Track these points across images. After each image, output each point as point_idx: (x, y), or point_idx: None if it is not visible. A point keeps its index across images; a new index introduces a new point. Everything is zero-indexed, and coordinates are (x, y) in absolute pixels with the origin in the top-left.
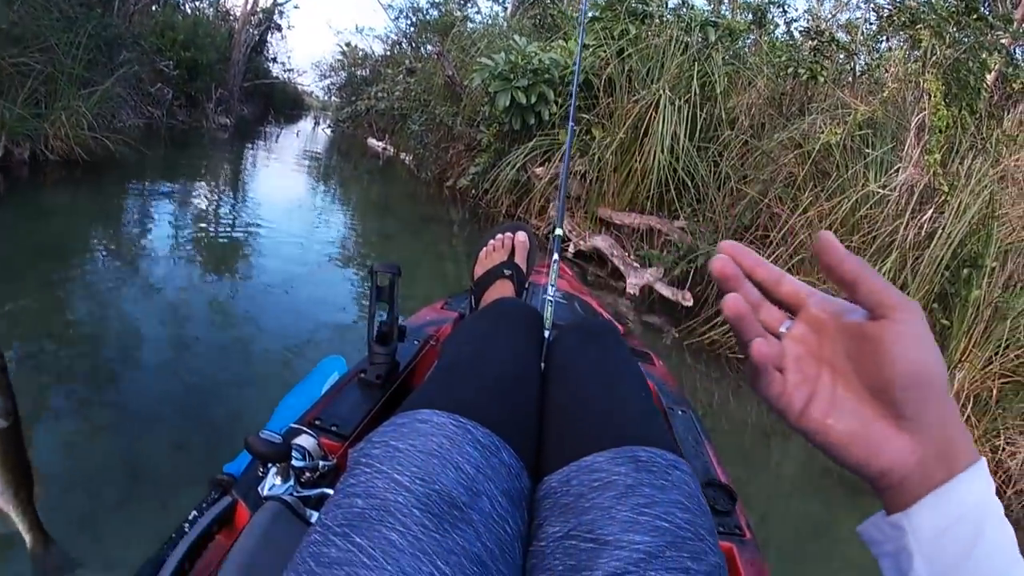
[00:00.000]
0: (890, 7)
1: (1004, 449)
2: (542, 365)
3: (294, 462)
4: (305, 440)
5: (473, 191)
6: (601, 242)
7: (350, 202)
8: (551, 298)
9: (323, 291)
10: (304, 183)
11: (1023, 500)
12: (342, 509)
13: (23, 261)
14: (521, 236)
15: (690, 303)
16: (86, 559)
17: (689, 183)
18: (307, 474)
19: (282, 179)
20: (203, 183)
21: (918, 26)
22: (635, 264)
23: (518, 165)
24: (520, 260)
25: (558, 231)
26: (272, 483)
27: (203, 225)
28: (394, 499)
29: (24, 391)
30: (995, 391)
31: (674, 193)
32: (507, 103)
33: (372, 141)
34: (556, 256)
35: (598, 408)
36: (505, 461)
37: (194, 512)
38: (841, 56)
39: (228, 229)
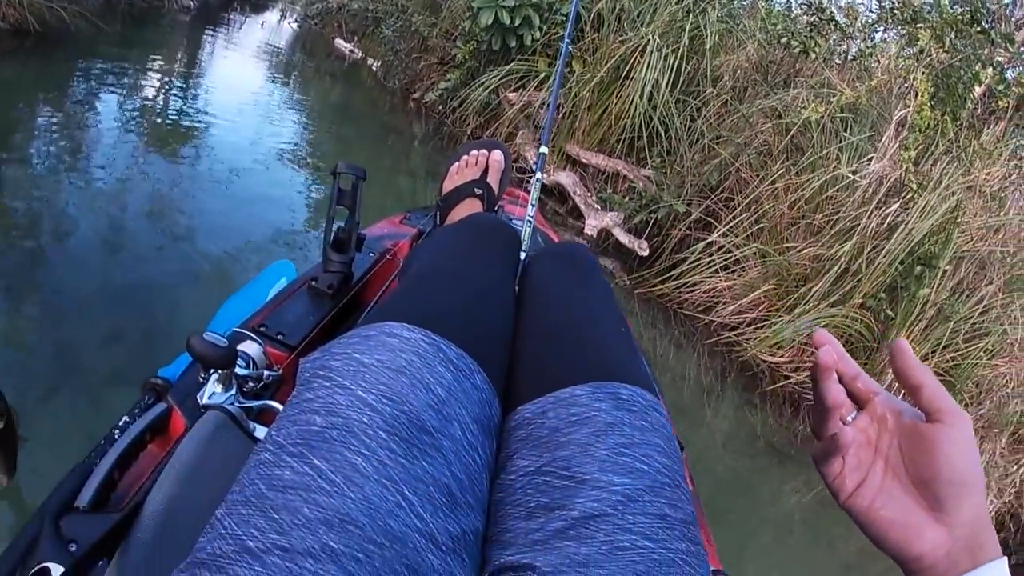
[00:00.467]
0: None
1: None
2: (515, 288)
3: (238, 370)
4: (250, 347)
5: (440, 107)
6: (565, 178)
7: (308, 102)
8: (530, 218)
9: (271, 191)
10: (262, 77)
11: None
12: (297, 426)
13: None
14: (497, 155)
15: (646, 252)
16: None
17: (663, 133)
18: (250, 383)
19: (239, 70)
20: (157, 65)
21: (919, 24)
22: (596, 206)
23: (491, 87)
24: (493, 180)
25: (543, 149)
26: (212, 391)
27: (152, 110)
28: (358, 419)
29: None
30: None
31: (646, 141)
32: (489, 21)
33: (340, 42)
34: (539, 175)
35: (578, 337)
36: (478, 385)
37: (125, 418)
38: (836, 37)
39: (177, 116)
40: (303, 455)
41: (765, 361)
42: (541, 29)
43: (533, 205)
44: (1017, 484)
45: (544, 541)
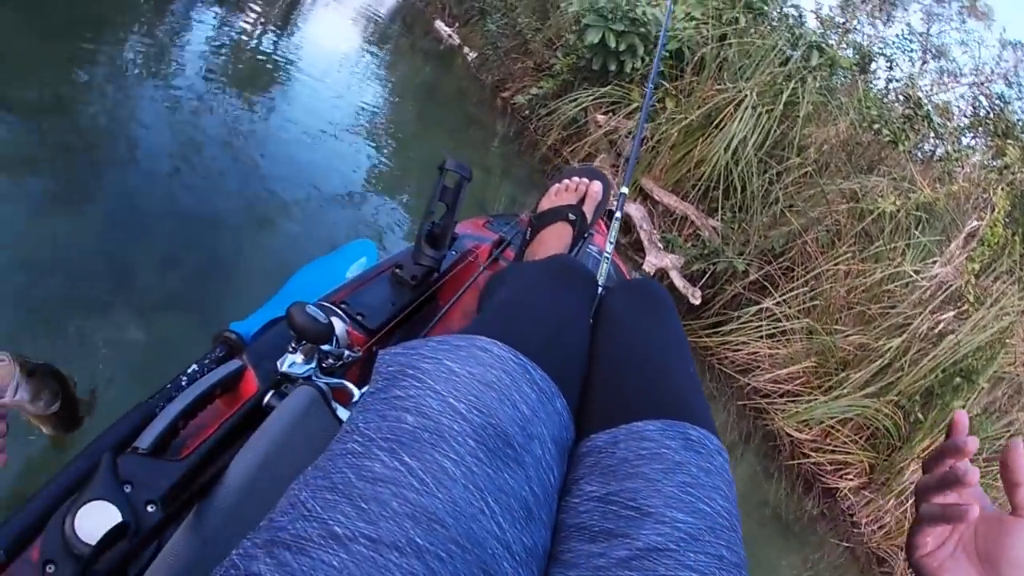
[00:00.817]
0: (991, 109)
1: None
2: (591, 320)
3: (322, 345)
4: (337, 324)
5: (527, 112)
6: (635, 211)
7: (397, 76)
8: (608, 255)
9: (345, 153)
10: (356, 39)
11: None
12: (387, 422)
13: (59, 25)
14: (596, 186)
15: (698, 302)
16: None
17: (739, 189)
18: (330, 360)
19: (336, 26)
20: (258, 5)
21: (1009, 140)
22: (659, 244)
23: (583, 105)
24: (588, 209)
25: (624, 189)
26: (293, 360)
27: (245, 46)
28: (449, 424)
29: (20, 162)
30: None
31: (720, 193)
32: (595, 40)
33: (440, 24)
34: (619, 214)
35: (651, 373)
36: (558, 409)
37: (194, 366)
38: (928, 134)
39: (267, 57)
40: (394, 451)
41: (789, 435)
42: (643, 59)
43: (611, 243)
44: None
45: (607, 568)
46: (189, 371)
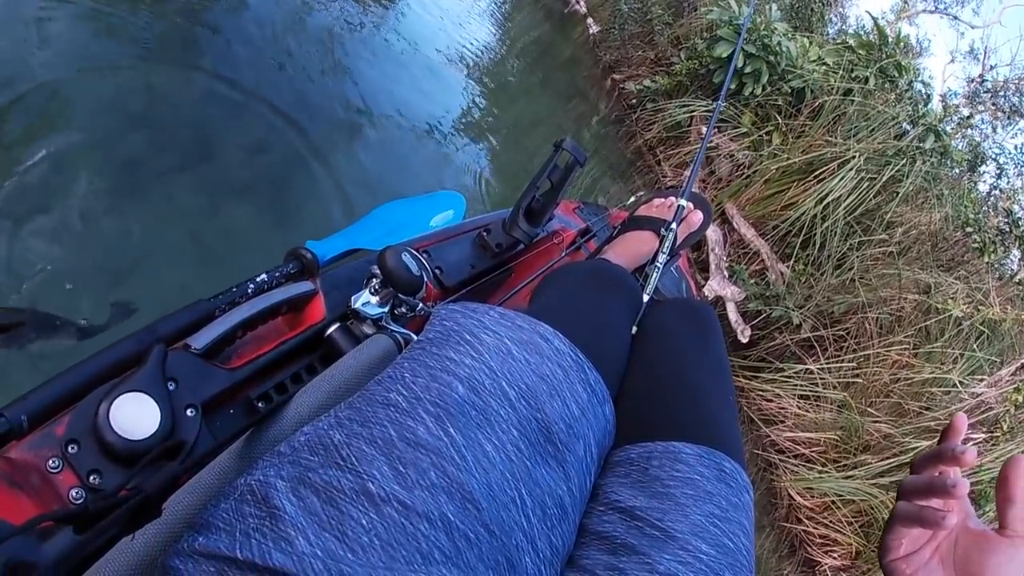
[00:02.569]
0: None
1: None
2: (634, 329)
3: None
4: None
5: (635, 101)
6: (712, 233)
7: (511, 27)
8: (658, 265)
9: (442, 88)
10: None
11: None
12: (438, 383)
13: None
14: (697, 216)
15: (745, 340)
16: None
17: (818, 244)
18: (403, 309)
19: None
20: None
21: None
22: (725, 272)
23: (694, 113)
24: (681, 232)
25: (682, 201)
26: (367, 299)
27: None
28: (496, 409)
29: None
30: None
31: (799, 242)
32: (723, 55)
33: None
34: (675, 225)
35: (692, 395)
36: (606, 415)
37: (264, 275)
38: (1016, 254)
39: None
40: (440, 419)
41: (791, 497)
42: (764, 88)
43: (664, 253)
44: None
45: None
46: (258, 280)
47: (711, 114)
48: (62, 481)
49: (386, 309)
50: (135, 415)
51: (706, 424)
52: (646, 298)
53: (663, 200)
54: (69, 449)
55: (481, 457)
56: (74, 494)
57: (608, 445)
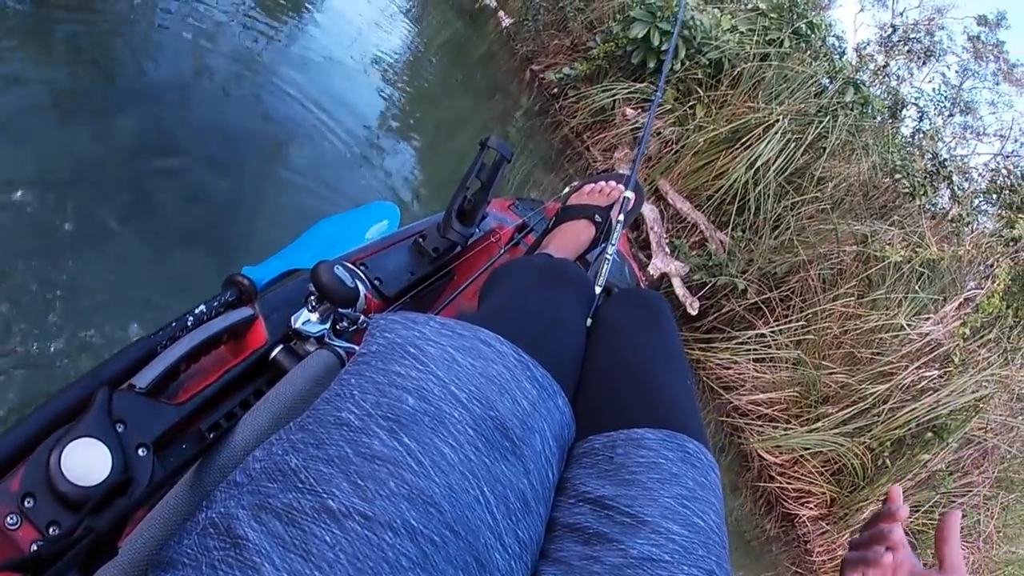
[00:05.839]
0: (1010, 180)
1: None
2: (588, 321)
3: (341, 308)
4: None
5: (555, 90)
6: (648, 212)
7: (426, 27)
8: (608, 257)
9: (361, 95)
10: None
11: None
12: (387, 398)
13: None
14: (629, 196)
15: (695, 312)
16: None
17: (753, 209)
18: (344, 323)
19: None
20: None
21: (1020, 214)
22: (666, 248)
23: (616, 96)
24: (615, 216)
25: (628, 193)
26: (308, 318)
27: None
28: (450, 412)
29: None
30: None
31: (734, 209)
32: (640, 35)
33: None
34: (622, 216)
35: (650, 381)
36: (559, 407)
37: (202, 307)
38: (945, 193)
39: None
40: (393, 431)
41: (761, 457)
42: (683, 63)
43: (613, 244)
44: None
45: (602, 573)
46: (196, 311)
47: (650, 101)
48: (22, 536)
49: (327, 325)
50: (86, 461)
51: (666, 408)
52: (598, 290)
53: (594, 186)
54: (25, 503)
55: (439, 460)
56: (35, 548)
57: (568, 437)
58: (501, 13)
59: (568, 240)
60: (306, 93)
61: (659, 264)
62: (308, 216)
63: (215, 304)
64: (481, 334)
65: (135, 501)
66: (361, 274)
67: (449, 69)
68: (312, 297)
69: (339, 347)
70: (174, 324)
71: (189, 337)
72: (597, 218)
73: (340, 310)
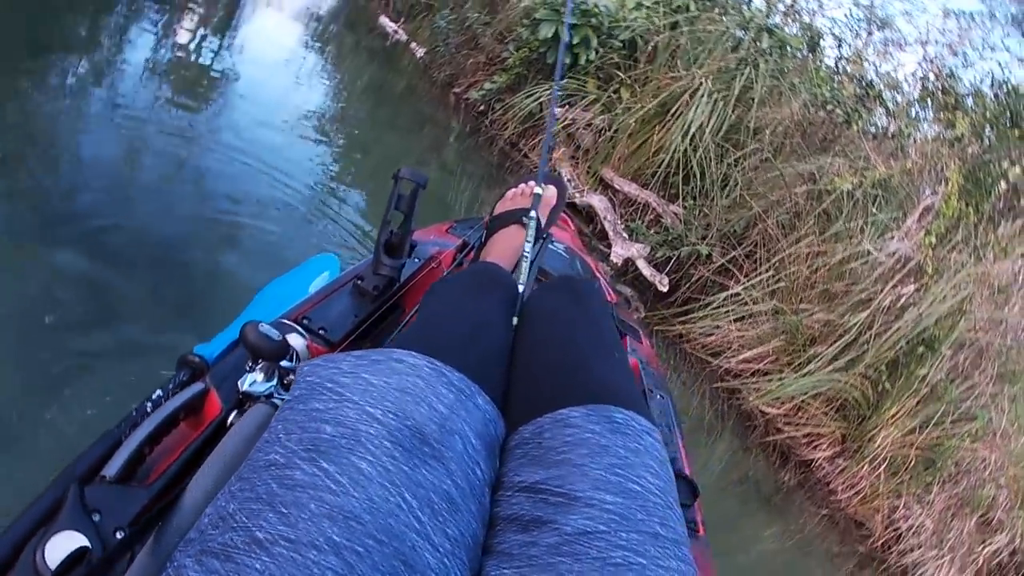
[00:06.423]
0: (943, 83)
1: (901, 510)
2: (515, 320)
3: (282, 362)
4: (296, 340)
5: (482, 107)
6: (598, 201)
7: (343, 75)
8: (526, 255)
9: (295, 157)
10: (298, 40)
11: (904, 562)
12: (308, 433)
13: None
14: (552, 190)
15: (665, 288)
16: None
17: (698, 175)
18: (291, 376)
19: (276, 28)
20: (198, 9)
21: (957, 112)
22: (623, 234)
23: (540, 98)
24: (542, 213)
25: (538, 189)
26: (253, 379)
27: (186, 50)
28: (365, 430)
29: None
30: (911, 460)
31: (680, 179)
32: (549, 35)
33: (385, 20)
34: (534, 214)
35: (573, 362)
36: (480, 405)
37: (159, 391)
38: (880, 112)
39: (209, 63)
40: (313, 459)
41: (763, 412)
42: (597, 51)
43: (528, 242)
44: (980, 563)
45: (539, 556)
46: (154, 397)
47: (573, 95)
48: None
49: (274, 382)
50: (68, 552)
51: (591, 385)
52: (521, 288)
53: (514, 190)
54: None
55: (357, 476)
56: None
57: (496, 433)
58: (413, 44)
59: (502, 248)
60: (244, 162)
61: (620, 251)
62: (254, 286)
63: (171, 386)
64: (395, 354)
65: (95, 568)
66: (299, 327)
67: (375, 111)
68: (250, 359)
69: (279, 399)
70: (134, 412)
71: (148, 421)
72: (525, 219)
73: (283, 364)
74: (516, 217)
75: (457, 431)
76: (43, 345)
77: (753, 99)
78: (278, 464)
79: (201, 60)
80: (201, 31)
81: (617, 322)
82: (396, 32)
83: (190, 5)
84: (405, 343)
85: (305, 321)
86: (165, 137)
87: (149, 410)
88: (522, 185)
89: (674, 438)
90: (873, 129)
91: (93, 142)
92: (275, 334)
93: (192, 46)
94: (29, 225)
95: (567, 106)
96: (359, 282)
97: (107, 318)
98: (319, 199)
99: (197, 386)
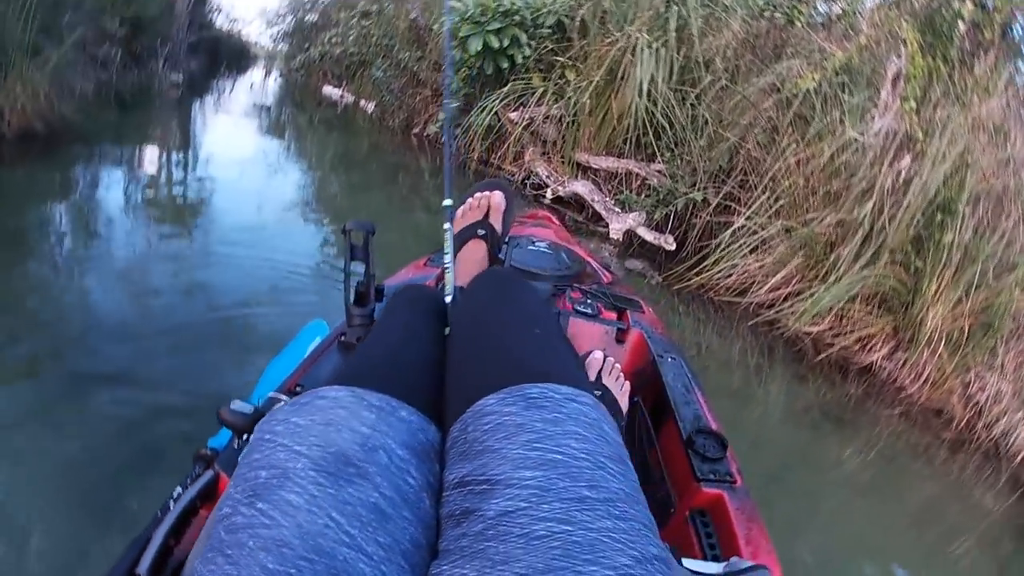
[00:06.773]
0: None
1: (974, 383)
2: (447, 330)
3: None
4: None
5: (443, 137)
6: (581, 187)
7: (308, 155)
8: (448, 264)
9: (287, 246)
10: (257, 137)
11: (992, 433)
12: (248, 482)
13: None
14: (497, 196)
15: (672, 247)
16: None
17: (667, 127)
18: None
19: (233, 133)
20: (156, 144)
21: None
22: (616, 209)
23: (492, 110)
24: (495, 221)
25: (446, 201)
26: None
27: (159, 187)
28: (292, 466)
29: None
30: (966, 329)
31: (652, 136)
32: (479, 47)
33: (328, 89)
34: (448, 225)
35: (491, 352)
36: (404, 418)
37: (179, 488)
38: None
39: (183, 189)
40: (252, 502)
41: (807, 332)
42: (530, 46)
43: (447, 252)
44: None
45: (469, 546)
46: (175, 495)
47: (523, 95)
48: None
49: None
50: None
51: (506, 369)
52: (448, 299)
53: (464, 206)
54: None
55: (287, 508)
56: None
57: (428, 440)
58: (362, 102)
59: (469, 265)
60: (239, 264)
61: (617, 226)
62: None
63: (188, 481)
64: (319, 392)
65: None
66: (285, 396)
67: (348, 178)
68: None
69: None
70: (159, 513)
71: (169, 516)
72: (480, 232)
73: None
74: (472, 233)
75: (380, 446)
76: (104, 492)
77: (693, 35)
78: (227, 515)
79: (175, 185)
80: (165, 157)
81: (614, 299)
82: (342, 96)
83: (148, 136)
84: (334, 379)
85: (298, 388)
86: (162, 264)
87: (171, 506)
88: (470, 200)
89: (693, 396)
90: (819, 19)
91: (99, 301)
92: (247, 408)
93: (163, 176)
94: (60, 388)
95: (521, 107)
96: (343, 338)
97: (150, 450)
98: (317, 279)
99: (208, 474)
